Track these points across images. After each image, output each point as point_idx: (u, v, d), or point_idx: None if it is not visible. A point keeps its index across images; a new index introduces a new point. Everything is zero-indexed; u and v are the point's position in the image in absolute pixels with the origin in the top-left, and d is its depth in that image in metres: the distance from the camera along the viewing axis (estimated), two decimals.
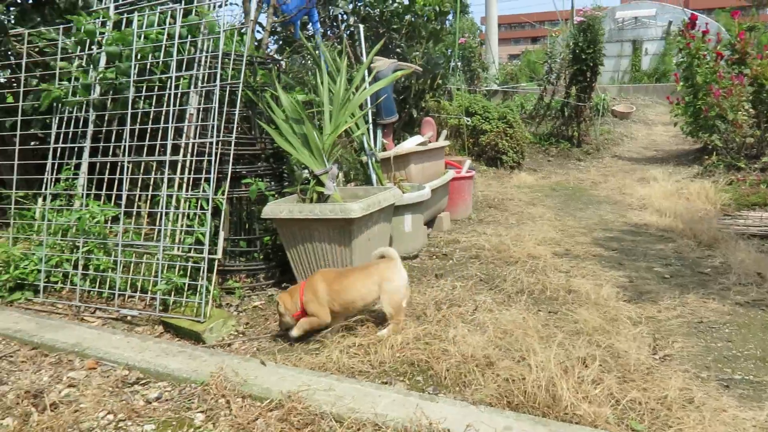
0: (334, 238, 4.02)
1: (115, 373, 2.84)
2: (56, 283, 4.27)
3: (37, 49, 5.08)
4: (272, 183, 4.52)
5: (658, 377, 2.72)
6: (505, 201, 7.71)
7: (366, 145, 5.04)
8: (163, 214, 4.01)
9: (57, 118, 4.61)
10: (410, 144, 5.68)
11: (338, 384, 2.59)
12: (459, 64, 13.58)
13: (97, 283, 4.14)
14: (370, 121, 5.21)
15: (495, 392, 2.57)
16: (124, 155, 4.26)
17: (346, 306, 3.26)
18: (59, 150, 4.56)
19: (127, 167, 4.21)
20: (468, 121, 10.08)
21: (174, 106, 4.13)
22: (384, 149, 5.67)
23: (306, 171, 4.59)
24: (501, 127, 10.11)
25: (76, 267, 4.19)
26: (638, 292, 3.97)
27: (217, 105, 3.96)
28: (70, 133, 4.54)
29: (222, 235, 3.89)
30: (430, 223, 5.96)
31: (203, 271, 3.74)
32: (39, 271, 4.27)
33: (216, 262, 3.85)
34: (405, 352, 3.04)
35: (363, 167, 5.71)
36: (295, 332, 3.26)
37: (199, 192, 4.01)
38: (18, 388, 2.73)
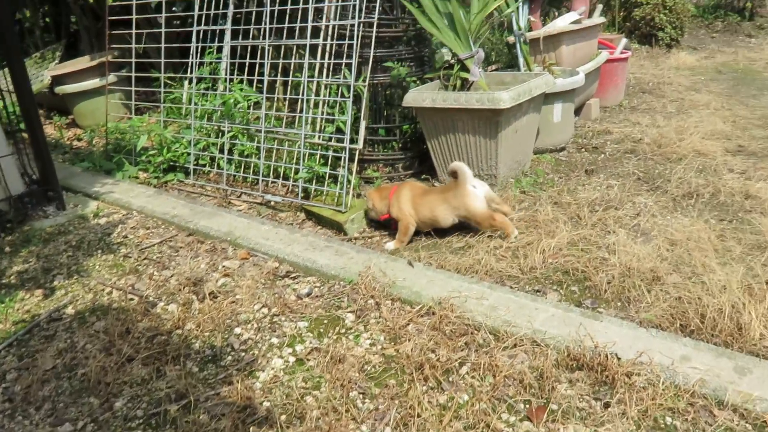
0: (480, 130, 3.76)
1: (267, 265, 2.89)
2: (204, 166, 4.41)
3: None
4: (413, 68, 4.26)
5: None
6: (661, 85, 6.92)
7: (515, 25, 4.57)
8: (304, 100, 3.92)
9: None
10: (563, 22, 5.10)
11: (491, 292, 2.45)
12: None
13: (242, 168, 4.22)
14: None
15: (665, 312, 2.32)
16: (264, 38, 4.15)
17: (424, 222, 3.24)
18: (201, 33, 4.53)
19: (268, 51, 4.11)
20: None
21: None
22: (530, 28, 5.14)
23: (447, 51, 4.27)
24: None
25: (222, 151, 4.27)
26: None
27: None
28: (212, 15, 4.48)
29: (363, 124, 3.76)
30: (577, 111, 5.48)
31: (344, 161, 3.67)
32: (188, 154, 4.41)
33: (357, 152, 3.76)
34: (558, 259, 2.84)
35: (508, 48, 5.26)
36: (392, 246, 3.24)
37: (339, 78, 3.86)
38: (179, 273, 2.86)
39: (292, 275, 2.81)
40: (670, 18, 9.01)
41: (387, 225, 3.45)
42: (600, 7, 6.08)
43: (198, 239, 3.23)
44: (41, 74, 6.54)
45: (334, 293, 2.61)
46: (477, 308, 2.34)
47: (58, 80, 6.24)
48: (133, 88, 4.91)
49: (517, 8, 4.60)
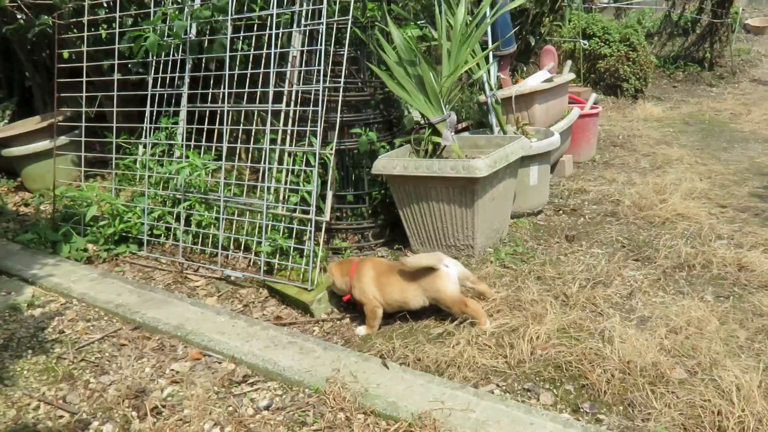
0: (455, 199, 3.53)
1: (221, 367, 2.52)
2: (159, 236, 4.08)
3: None
4: (382, 132, 4.03)
5: None
6: (631, 138, 6.85)
7: (486, 86, 4.39)
8: (266, 169, 3.65)
9: (153, 61, 4.29)
10: (535, 81, 4.97)
11: (477, 402, 2.15)
12: None
13: (200, 239, 3.90)
14: (491, 56, 4.53)
15: (676, 422, 2.05)
16: (223, 102, 3.89)
17: (389, 303, 2.92)
18: (157, 96, 4.26)
19: (227, 116, 3.85)
20: (585, 44, 9.03)
21: (275, 48, 3.67)
22: (500, 85, 4.99)
23: (417, 113, 4.06)
24: (623, 51, 9.02)
25: (178, 220, 3.96)
26: None
27: (323, 46, 3.45)
28: (168, 78, 4.22)
29: (330, 195, 3.49)
30: (551, 169, 5.31)
31: (310, 234, 3.38)
32: (142, 224, 4.08)
33: (324, 224, 3.48)
34: (548, 349, 2.56)
35: (478, 106, 5.09)
36: (363, 331, 2.96)
37: (304, 145, 3.60)
38: (120, 380, 2.47)
39: (250, 380, 2.44)
40: (633, 69, 9.07)
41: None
42: (569, 63, 6.00)
43: (144, 335, 2.83)
44: None
45: (297, 404, 2.26)
46: (463, 423, 2.03)
47: (4, 142, 5.86)
48: (83, 154, 4.59)
49: (488, 69, 4.44)
